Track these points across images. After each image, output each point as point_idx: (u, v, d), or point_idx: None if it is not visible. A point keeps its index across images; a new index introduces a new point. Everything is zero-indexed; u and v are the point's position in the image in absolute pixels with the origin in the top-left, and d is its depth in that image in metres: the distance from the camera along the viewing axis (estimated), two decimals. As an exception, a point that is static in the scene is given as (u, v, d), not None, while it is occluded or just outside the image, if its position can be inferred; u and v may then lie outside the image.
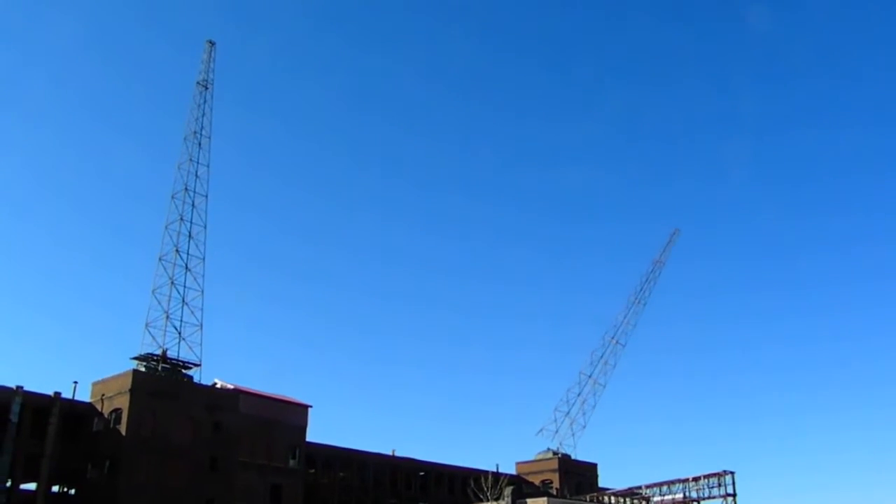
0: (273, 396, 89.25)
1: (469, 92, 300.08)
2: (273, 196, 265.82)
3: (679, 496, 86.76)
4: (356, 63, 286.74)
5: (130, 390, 74.79)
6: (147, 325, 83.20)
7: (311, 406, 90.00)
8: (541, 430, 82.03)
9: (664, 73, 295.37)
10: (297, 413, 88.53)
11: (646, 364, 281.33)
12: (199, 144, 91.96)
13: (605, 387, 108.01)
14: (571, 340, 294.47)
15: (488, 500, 70.77)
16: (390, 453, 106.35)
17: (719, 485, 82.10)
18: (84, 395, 79.75)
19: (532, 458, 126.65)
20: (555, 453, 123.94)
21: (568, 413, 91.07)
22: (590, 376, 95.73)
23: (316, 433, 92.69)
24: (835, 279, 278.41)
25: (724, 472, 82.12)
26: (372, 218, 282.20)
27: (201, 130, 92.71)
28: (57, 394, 75.57)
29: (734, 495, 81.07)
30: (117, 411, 75.45)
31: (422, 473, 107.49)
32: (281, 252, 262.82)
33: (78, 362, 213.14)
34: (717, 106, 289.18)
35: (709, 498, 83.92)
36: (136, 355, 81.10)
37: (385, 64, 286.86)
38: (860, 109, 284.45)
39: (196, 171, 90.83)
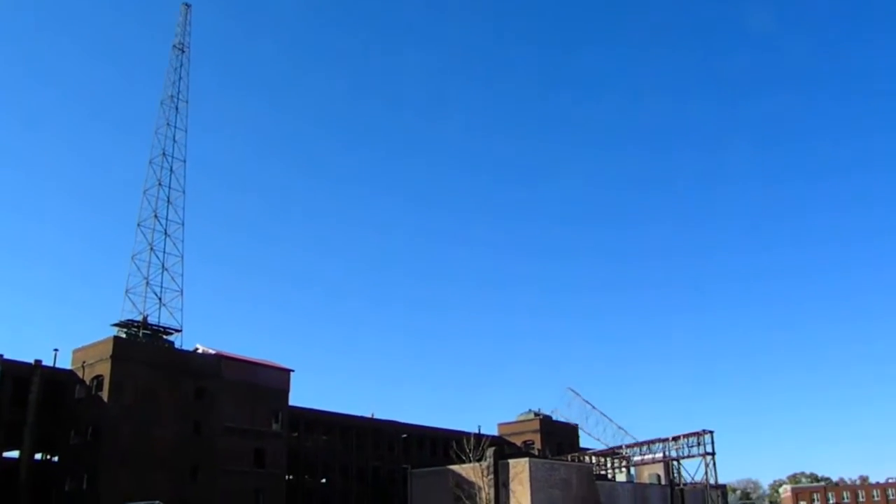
0: (255, 361, 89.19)
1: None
2: (251, 164, 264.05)
3: (659, 455, 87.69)
4: (343, 42, 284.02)
5: (112, 357, 74.52)
6: (127, 291, 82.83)
7: (292, 370, 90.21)
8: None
9: None
10: (278, 377, 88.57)
11: (625, 322, 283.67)
12: (177, 109, 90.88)
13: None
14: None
15: (470, 462, 71.19)
16: (370, 416, 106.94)
17: (698, 444, 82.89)
18: (65, 363, 79.65)
19: (514, 419, 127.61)
20: (536, 415, 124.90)
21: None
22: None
23: (298, 397, 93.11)
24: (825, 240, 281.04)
25: (703, 431, 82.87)
26: (350, 188, 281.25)
27: (178, 94, 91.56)
28: (37, 362, 75.34)
29: (713, 454, 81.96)
30: (99, 378, 75.20)
31: (404, 436, 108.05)
32: (260, 220, 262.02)
33: (58, 330, 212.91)
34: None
35: (688, 457, 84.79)
36: (116, 322, 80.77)
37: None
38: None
39: (174, 136, 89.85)
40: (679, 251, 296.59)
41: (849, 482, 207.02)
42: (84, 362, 77.16)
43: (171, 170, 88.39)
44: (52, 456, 78.99)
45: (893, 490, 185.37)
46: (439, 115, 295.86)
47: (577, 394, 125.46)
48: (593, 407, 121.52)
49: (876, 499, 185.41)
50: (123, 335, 79.96)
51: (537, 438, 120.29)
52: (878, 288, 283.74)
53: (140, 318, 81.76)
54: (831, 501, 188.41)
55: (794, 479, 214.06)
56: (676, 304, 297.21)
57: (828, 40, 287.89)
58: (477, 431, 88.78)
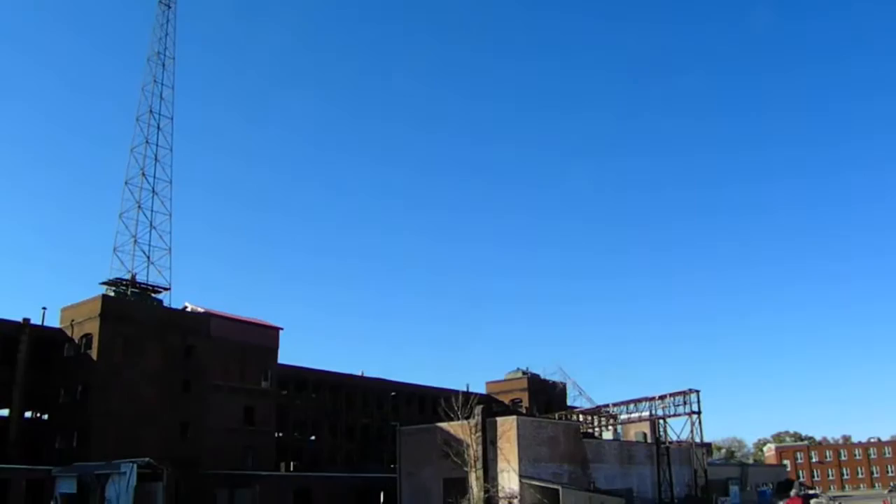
0: (244, 319, 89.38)
1: None
2: (239, 125, 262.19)
3: (645, 414, 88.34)
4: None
5: (100, 315, 74.55)
6: (115, 249, 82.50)
7: (281, 329, 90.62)
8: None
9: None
10: (267, 335, 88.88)
11: (612, 288, 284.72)
12: (163, 65, 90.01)
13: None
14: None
15: (459, 420, 71.56)
16: (359, 374, 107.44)
17: (685, 403, 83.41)
18: (53, 322, 79.64)
19: (502, 377, 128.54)
20: (524, 373, 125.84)
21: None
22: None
23: (287, 356, 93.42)
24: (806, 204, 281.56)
25: (690, 390, 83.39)
26: (340, 152, 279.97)
27: (164, 51, 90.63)
28: (26, 320, 75.25)
29: (699, 413, 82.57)
30: (88, 336, 75.28)
31: (393, 394, 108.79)
32: (247, 182, 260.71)
33: (46, 290, 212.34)
34: None
35: (674, 416, 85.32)
36: (104, 280, 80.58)
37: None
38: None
39: (161, 93, 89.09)
40: (668, 212, 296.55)
41: (831, 441, 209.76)
42: (73, 321, 77.17)
43: (158, 127, 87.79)
44: (42, 414, 79.34)
45: (875, 449, 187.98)
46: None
47: (565, 372, 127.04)
48: (581, 390, 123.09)
49: (857, 458, 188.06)
50: (112, 293, 79.76)
51: (525, 397, 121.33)
52: (861, 252, 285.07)
53: (128, 276, 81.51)
54: (814, 460, 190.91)
55: (778, 438, 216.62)
56: (665, 265, 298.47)
57: None
58: (465, 390, 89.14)
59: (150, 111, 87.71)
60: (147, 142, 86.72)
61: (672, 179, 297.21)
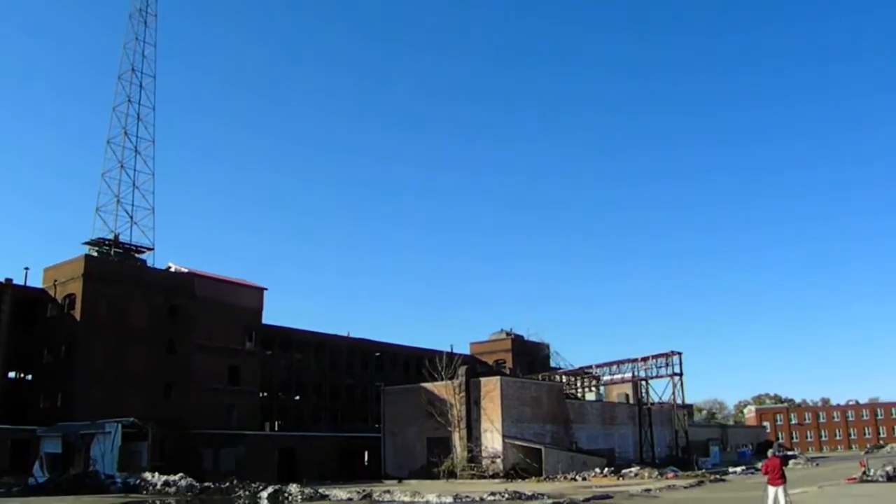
0: (228, 279, 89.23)
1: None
2: (221, 85, 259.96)
3: (628, 375, 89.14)
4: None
5: (83, 275, 74.16)
6: (98, 209, 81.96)
7: (266, 289, 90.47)
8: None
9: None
10: (252, 295, 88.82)
11: (599, 247, 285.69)
12: (145, 22, 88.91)
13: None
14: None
15: (443, 380, 72.03)
16: (345, 334, 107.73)
17: (667, 365, 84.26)
18: (36, 282, 79.23)
19: (486, 338, 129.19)
20: (508, 334, 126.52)
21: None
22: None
23: (272, 316, 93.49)
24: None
25: (672, 352, 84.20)
26: (323, 113, 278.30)
27: (146, 8, 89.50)
28: (8, 280, 74.87)
29: (680, 374, 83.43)
30: (71, 297, 75.03)
31: (377, 354, 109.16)
32: (231, 143, 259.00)
33: (28, 250, 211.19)
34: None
35: (656, 377, 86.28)
36: (87, 240, 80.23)
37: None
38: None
39: (143, 51, 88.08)
40: (653, 173, 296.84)
41: (811, 404, 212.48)
42: (55, 281, 76.83)
43: (140, 86, 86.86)
44: (26, 374, 79.17)
45: (853, 412, 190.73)
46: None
47: (541, 337, 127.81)
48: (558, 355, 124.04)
49: (836, 420, 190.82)
50: (95, 254, 79.44)
51: (509, 357, 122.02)
52: (841, 214, 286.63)
53: (111, 236, 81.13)
54: (793, 422, 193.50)
55: (758, 400, 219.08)
56: (646, 226, 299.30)
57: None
58: (449, 350, 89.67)
59: (132, 69, 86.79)
60: (129, 100, 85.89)
61: (655, 138, 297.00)
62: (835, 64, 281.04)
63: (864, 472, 46.40)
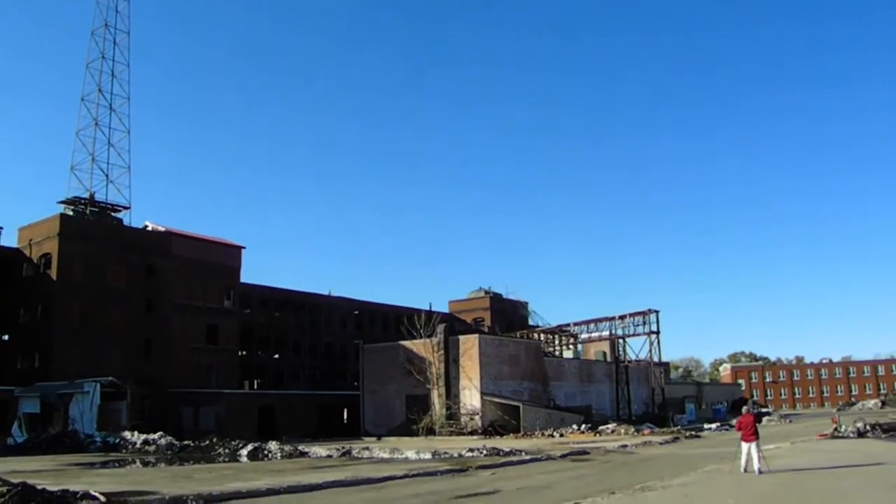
0: (206, 238, 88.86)
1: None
2: (197, 43, 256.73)
3: (605, 333, 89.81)
4: None
5: (59, 234, 73.52)
6: (72, 168, 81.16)
7: (244, 247, 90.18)
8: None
9: None
10: (230, 254, 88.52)
11: (576, 194, 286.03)
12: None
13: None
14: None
15: (421, 338, 72.41)
16: (327, 293, 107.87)
17: (644, 323, 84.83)
18: (11, 242, 78.62)
19: (464, 297, 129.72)
20: (486, 292, 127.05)
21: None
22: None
23: (250, 275, 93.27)
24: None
25: (649, 310, 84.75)
26: (298, 74, 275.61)
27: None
28: (-18, 239, 74.30)
29: (657, 332, 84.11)
30: (46, 256, 74.46)
31: (356, 312, 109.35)
32: (207, 102, 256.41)
33: (2, 209, 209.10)
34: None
35: (633, 335, 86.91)
36: (62, 199, 79.49)
37: None
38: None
39: (116, 6, 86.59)
40: (627, 133, 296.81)
41: (785, 362, 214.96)
42: (31, 240, 76.17)
43: (114, 42, 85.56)
44: (2, 334, 78.70)
45: (826, 370, 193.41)
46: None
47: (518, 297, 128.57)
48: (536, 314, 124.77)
49: (809, 377, 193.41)
50: (70, 213, 78.72)
51: (487, 316, 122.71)
52: (817, 173, 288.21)
53: (87, 195, 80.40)
54: (768, 379, 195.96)
55: (733, 357, 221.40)
56: (621, 184, 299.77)
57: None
58: (428, 308, 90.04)
59: (106, 25, 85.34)
60: (103, 57, 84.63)
61: (636, 99, 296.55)
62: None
63: (835, 429, 47.21)
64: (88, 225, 77.93)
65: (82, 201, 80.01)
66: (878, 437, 43.63)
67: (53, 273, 73.13)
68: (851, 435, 44.91)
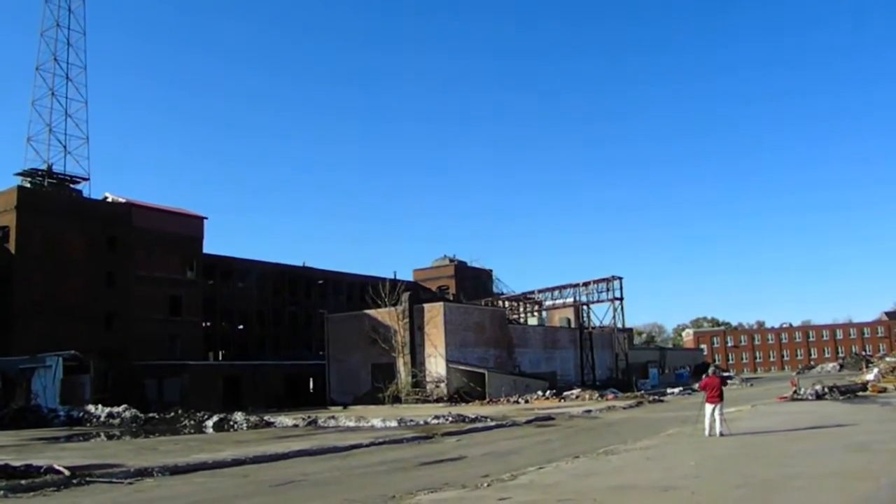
0: (166, 209, 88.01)
1: None
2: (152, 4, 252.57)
3: (570, 300, 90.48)
4: None
5: (16, 207, 72.37)
6: (29, 139, 79.91)
7: (205, 218, 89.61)
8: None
9: None
10: (192, 224, 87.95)
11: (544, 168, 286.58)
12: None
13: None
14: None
15: (386, 306, 72.53)
16: (302, 264, 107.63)
17: (608, 289, 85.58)
18: (-33, 215, 77.31)
19: (429, 265, 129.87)
20: (451, 260, 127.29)
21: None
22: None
23: (213, 245, 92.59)
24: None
25: (613, 277, 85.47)
26: (255, 29, 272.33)
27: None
28: (-62, 213, 73.01)
29: (621, 299, 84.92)
30: (4, 229, 73.26)
31: (320, 282, 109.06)
32: (167, 62, 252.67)
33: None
34: None
35: (597, 302, 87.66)
36: (19, 171, 78.37)
37: None
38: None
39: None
40: (593, 94, 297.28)
41: (746, 327, 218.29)
42: (-13, 213, 75.13)
43: (69, 9, 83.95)
44: (-39, 308, 77.79)
45: (786, 334, 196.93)
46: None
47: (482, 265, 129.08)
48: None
49: (770, 342, 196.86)
50: (28, 185, 77.63)
51: (452, 284, 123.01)
52: (774, 140, 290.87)
53: (44, 166, 79.29)
54: (730, 344, 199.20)
55: (696, 323, 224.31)
56: (583, 150, 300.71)
57: None
58: (393, 277, 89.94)
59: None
60: (58, 25, 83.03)
61: (601, 45, 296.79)
62: None
63: (794, 392, 48.01)
64: (47, 197, 76.96)
65: (40, 173, 78.91)
66: (835, 400, 44.45)
67: (12, 246, 72.10)
68: (810, 397, 45.71)
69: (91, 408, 55.33)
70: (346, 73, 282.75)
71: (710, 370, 28.73)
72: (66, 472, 19.96)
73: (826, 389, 47.10)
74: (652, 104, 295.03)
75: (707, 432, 24.94)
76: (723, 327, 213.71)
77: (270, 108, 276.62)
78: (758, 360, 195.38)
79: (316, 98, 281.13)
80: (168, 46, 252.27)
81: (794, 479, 15.80)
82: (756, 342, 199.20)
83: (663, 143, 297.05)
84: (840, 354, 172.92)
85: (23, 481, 18.89)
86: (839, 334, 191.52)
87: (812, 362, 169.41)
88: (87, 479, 19.86)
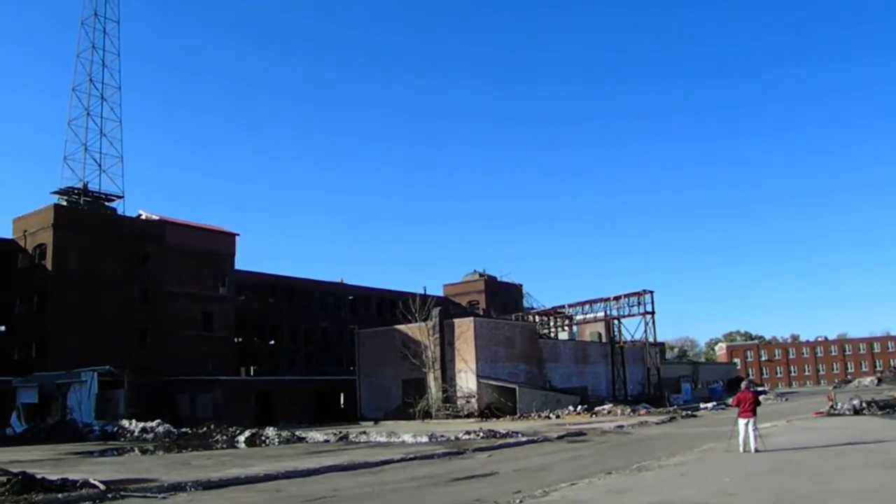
0: (199, 226, 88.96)
1: None
2: (192, 35, 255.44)
3: (600, 315, 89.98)
4: None
5: (53, 225, 73.53)
6: (65, 158, 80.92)
7: (237, 234, 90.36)
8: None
9: None
10: (224, 241, 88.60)
11: (566, 181, 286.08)
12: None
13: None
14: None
15: (416, 322, 72.49)
16: (339, 280, 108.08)
17: (639, 303, 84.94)
18: (6, 233, 78.65)
19: (459, 280, 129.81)
20: (481, 275, 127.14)
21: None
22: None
23: (244, 261, 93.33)
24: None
25: (644, 291, 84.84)
26: (286, 54, 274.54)
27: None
28: (-23, 232, 74.15)
29: (653, 313, 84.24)
30: (41, 246, 74.41)
31: (351, 297, 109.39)
32: (199, 89, 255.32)
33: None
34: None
35: (628, 316, 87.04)
36: (56, 189, 79.40)
37: None
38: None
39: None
40: (623, 110, 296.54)
41: (780, 340, 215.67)
42: (25, 231, 76.17)
43: (104, 31, 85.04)
44: (-1, 324, 78.86)
45: (821, 348, 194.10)
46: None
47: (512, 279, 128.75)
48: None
49: (805, 356, 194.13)
50: (64, 203, 78.62)
51: (482, 299, 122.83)
52: (811, 152, 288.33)
53: (80, 185, 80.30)
54: (763, 358, 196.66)
55: (729, 337, 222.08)
56: (614, 164, 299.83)
57: None
58: (423, 292, 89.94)
59: (95, 14, 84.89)
60: (93, 46, 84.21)
61: (631, 77, 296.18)
62: None
63: (831, 406, 47.42)
64: (82, 215, 77.87)
65: (76, 191, 79.94)
66: (874, 415, 43.82)
67: (49, 263, 73.12)
68: (847, 412, 45.13)
69: (125, 423, 55.76)
70: (374, 94, 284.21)
71: (744, 385, 28.45)
72: (102, 487, 20.13)
73: (864, 404, 46.44)
74: (686, 110, 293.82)
75: (742, 448, 24.70)
76: (756, 341, 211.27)
77: (301, 128, 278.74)
78: (792, 374, 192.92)
79: (345, 118, 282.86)
80: (204, 71, 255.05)
81: (832, 496, 15.60)
82: (791, 356, 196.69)
83: (689, 149, 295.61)
84: (878, 368, 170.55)
85: (59, 495, 19.08)
86: (877, 347, 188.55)
87: (849, 376, 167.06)
88: (122, 493, 20.03)
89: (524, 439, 38.01)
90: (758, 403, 25.60)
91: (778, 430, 35.18)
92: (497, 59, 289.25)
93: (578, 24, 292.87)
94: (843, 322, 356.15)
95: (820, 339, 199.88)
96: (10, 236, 77.79)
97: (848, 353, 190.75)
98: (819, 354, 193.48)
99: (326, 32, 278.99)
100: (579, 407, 67.16)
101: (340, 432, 46.20)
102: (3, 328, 78.04)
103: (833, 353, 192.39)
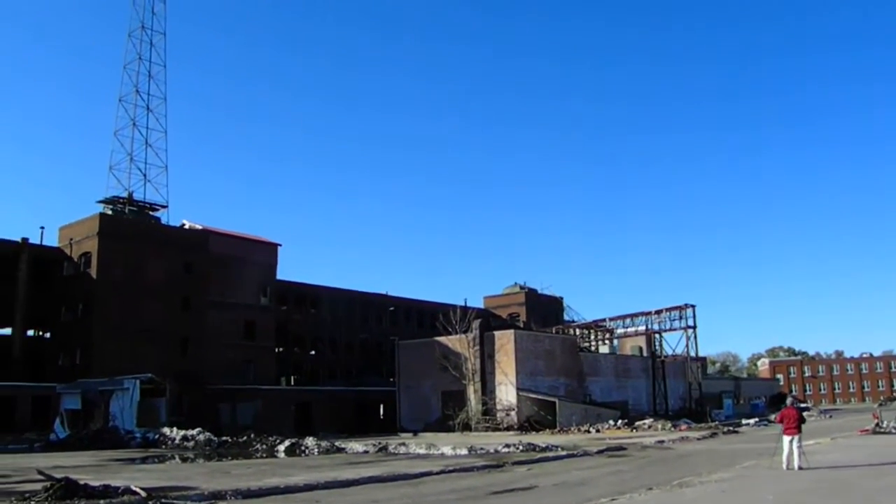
0: (242, 236, 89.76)
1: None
2: (235, 43, 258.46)
3: (641, 328, 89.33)
4: None
5: (98, 233, 74.53)
6: (111, 168, 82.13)
7: (280, 245, 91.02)
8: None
9: None
10: (266, 251, 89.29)
11: (615, 198, 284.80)
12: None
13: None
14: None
15: (457, 334, 72.43)
16: (384, 293, 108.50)
17: (680, 318, 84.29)
18: (52, 241, 79.74)
19: (500, 292, 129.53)
20: (521, 288, 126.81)
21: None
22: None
23: (286, 271, 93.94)
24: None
25: (686, 305, 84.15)
26: (332, 64, 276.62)
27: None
28: (24, 240, 75.26)
29: (694, 327, 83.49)
30: (86, 255, 75.47)
31: (392, 309, 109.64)
32: (244, 95, 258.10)
33: (43, 209, 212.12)
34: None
35: (670, 330, 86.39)
36: (102, 199, 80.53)
37: None
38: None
39: (153, 7, 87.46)
40: (661, 126, 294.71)
41: (824, 356, 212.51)
42: (71, 239, 77.26)
43: (150, 43, 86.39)
44: (44, 332, 79.91)
45: (866, 364, 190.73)
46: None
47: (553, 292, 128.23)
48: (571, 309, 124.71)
49: (850, 372, 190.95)
50: (109, 212, 79.69)
51: (522, 311, 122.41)
52: (856, 167, 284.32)
53: (125, 194, 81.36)
54: (807, 374, 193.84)
55: (771, 352, 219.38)
56: (657, 178, 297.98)
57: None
58: (463, 304, 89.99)
59: (142, 26, 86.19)
60: (140, 58, 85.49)
61: (665, 92, 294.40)
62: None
63: (876, 424, 46.62)
64: (127, 224, 78.86)
65: (121, 200, 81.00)
66: (920, 433, 43.02)
67: (93, 271, 74.10)
68: (894, 431, 44.33)
69: (166, 430, 56.17)
70: (413, 104, 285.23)
71: (788, 401, 28.06)
72: (143, 494, 20.28)
73: (911, 423, 45.64)
74: (737, 124, 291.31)
75: (785, 465, 24.32)
76: (799, 357, 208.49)
77: (345, 138, 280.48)
78: (837, 391, 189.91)
79: (390, 129, 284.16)
80: (247, 80, 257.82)
81: (878, 515, 15.31)
82: (835, 372, 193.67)
83: (739, 167, 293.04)
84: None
85: (101, 501, 19.26)
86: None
87: (894, 394, 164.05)
88: (163, 500, 20.14)
89: (564, 453, 37.75)
90: (802, 420, 25.21)
91: (821, 447, 34.60)
92: (551, 71, 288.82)
93: (653, 40, 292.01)
94: (888, 338, 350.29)
95: (865, 355, 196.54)
96: (56, 244, 78.95)
97: (894, 370, 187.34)
98: (864, 371, 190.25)
99: (381, 46, 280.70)
100: (619, 421, 66.66)
101: (380, 443, 46.20)
102: (48, 335, 79.32)
103: (878, 370, 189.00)
